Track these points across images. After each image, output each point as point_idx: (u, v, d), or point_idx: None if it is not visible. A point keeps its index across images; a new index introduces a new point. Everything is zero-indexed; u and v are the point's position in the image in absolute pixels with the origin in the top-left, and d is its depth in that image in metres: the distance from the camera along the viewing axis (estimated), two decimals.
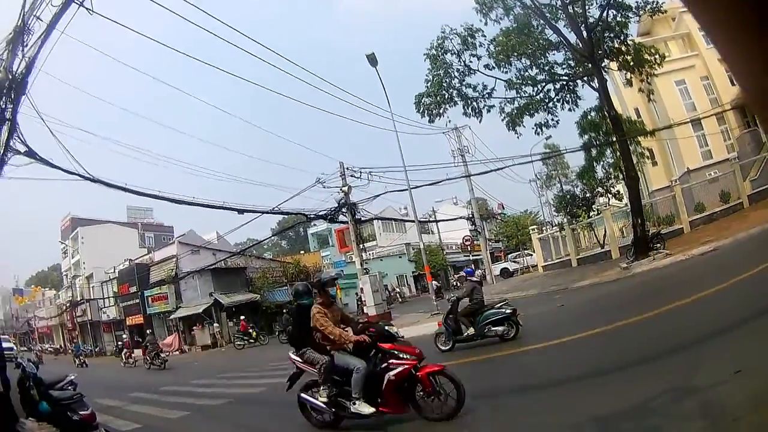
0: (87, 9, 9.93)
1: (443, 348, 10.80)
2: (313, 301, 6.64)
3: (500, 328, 10.21)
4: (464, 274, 12.60)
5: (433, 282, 39.12)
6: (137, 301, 35.57)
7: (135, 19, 11.90)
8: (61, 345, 49.72)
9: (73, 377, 7.95)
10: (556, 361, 7.50)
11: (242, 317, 28.05)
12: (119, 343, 31.09)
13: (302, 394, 6.56)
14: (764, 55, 0.57)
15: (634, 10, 21.68)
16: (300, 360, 6.66)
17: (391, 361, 5.89)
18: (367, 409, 5.84)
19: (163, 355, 22.22)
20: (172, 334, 31.93)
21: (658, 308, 8.57)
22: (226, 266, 33.18)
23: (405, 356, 5.93)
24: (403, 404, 5.95)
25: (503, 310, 10.38)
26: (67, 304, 48.10)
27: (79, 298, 46.35)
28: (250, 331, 26.56)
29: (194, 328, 31.07)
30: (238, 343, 26.17)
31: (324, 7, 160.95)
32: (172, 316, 32.54)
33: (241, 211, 21.06)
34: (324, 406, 6.28)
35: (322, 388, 6.25)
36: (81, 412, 6.93)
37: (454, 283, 36.27)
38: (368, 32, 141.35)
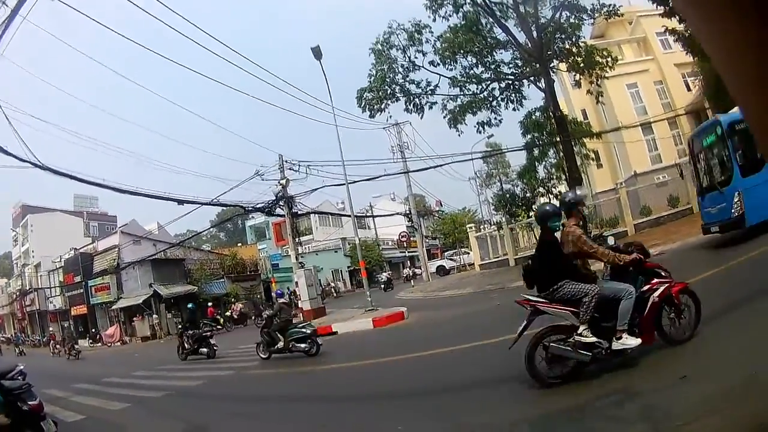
0: None
1: (263, 356, 12.12)
2: (560, 226, 5.72)
3: (303, 345, 11.43)
4: (275, 295, 14.12)
5: (384, 273, 39.17)
6: (82, 291, 34.72)
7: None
8: (12, 335, 48.37)
9: (22, 367, 7.66)
10: (496, 361, 6.70)
11: (209, 304, 29.44)
12: (64, 334, 31.86)
13: (555, 344, 5.16)
14: (757, 31, 0.50)
15: (589, 12, 21.61)
16: (546, 302, 5.31)
17: (654, 280, 5.23)
18: (634, 341, 4.99)
19: (77, 347, 24.41)
20: (114, 325, 31.50)
21: None
22: (166, 257, 32.66)
23: (665, 274, 5.31)
24: (654, 331, 5.22)
25: (304, 330, 11.72)
26: (17, 293, 46.95)
27: (28, 287, 45.28)
28: (218, 317, 27.86)
29: (134, 318, 30.64)
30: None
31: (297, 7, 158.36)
32: (113, 307, 31.89)
33: (180, 202, 20.92)
34: (587, 351, 5.04)
35: (582, 327, 5.06)
36: (30, 402, 6.65)
37: (385, 278, 36.57)
38: (337, 29, 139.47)
